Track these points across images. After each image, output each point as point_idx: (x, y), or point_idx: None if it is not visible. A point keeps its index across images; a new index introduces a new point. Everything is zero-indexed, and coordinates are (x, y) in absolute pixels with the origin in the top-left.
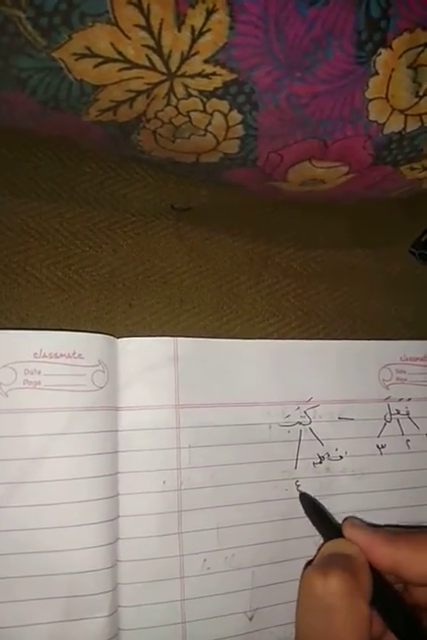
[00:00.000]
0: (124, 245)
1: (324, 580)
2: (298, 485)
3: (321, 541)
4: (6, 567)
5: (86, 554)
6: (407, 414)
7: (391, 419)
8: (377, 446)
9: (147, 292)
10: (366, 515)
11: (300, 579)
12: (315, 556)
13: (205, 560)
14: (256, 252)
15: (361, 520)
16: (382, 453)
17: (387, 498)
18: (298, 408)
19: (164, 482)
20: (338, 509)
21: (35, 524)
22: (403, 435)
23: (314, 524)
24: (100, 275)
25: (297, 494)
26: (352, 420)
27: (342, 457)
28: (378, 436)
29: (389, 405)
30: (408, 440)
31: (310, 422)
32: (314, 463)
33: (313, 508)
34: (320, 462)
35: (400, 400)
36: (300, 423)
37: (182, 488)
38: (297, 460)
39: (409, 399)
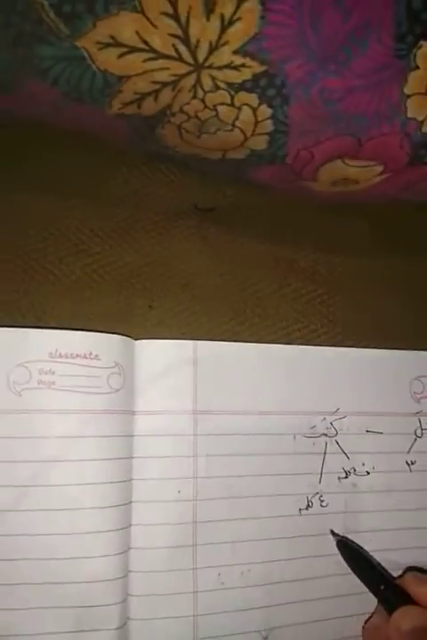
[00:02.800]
0: (145, 245)
1: None
2: (322, 501)
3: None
4: (16, 573)
5: (97, 563)
6: None
7: (422, 434)
8: (406, 463)
9: (167, 294)
10: (394, 535)
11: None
12: (373, 613)
13: (219, 574)
14: (281, 255)
15: (423, 571)
16: (411, 470)
17: (416, 517)
18: (324, 419)
19: (179, 491)
20: (363, 528)
21: (45, 530)
22: None
23: (356, 573)
24: (120, 274)
25: (321, 510)
26: (381, 433)
27: (368, 472)
28: (408, 452)
29: (420, 420)
30: None
31: (337, 434)
32: (339, 478)
33: (355, 556)
34: (346, 477)
35: None
36: (325, 435)
37: (198, 498)
38: (322, 473)
39: None
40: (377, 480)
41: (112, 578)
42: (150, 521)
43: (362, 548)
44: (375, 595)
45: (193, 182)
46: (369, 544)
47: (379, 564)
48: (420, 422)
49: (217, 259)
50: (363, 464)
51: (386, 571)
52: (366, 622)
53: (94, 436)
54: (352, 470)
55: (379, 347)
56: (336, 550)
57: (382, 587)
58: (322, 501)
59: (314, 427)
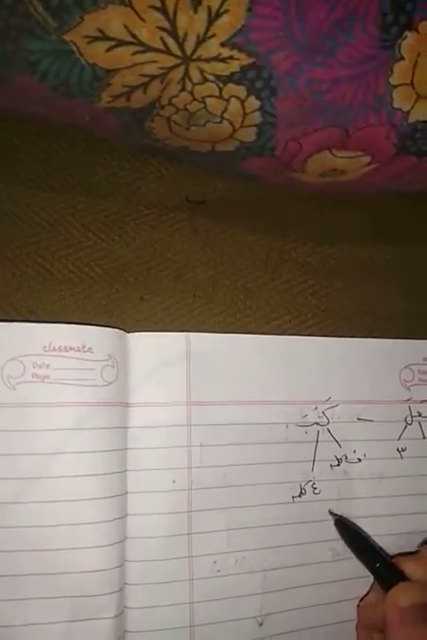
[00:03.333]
0: (136, 238)
1: None
2: (314, 488)
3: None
4: (13, 564)
5: (93, 553)
6: None
7: (413, 421)
8: (397, 449)
9: (159, 286)
10: (386, 520)
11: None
12: (368, 593)
13: (214, 562)
14: (272, 247)
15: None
16: (402, 457)
17: (407, 503)
18: (316, 408)
19: (173, 481)
20: (356, 514)
21: (41, 521)
22: (424, 438)
23: (353, 551)
24: (112, 267)
25: (313, 497)
26: (372, 421)
27: (360, 459)
28: (398, 439)
29: (410, 407)
30: None
31: (329, 423)
32: (331, 465)
33: (352, 535)
34: (338, 465)
35: (422, 402)
36: (317, 423)
37: (193, 488)
38: (314, 461)
39: None
40: (369, 467)
41: (109, 567)
42: (146, 511)
43: (359, 527)
44: (372, 572)
45: (184, 175)
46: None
47: (375, 543)
48: (410, 409)
49: (208, 251)
50: (354, 451)
51: (382, 550)
52: (360, 600)
53: (89, 428)
54: (344, 458)
55: (369, 336)
56: (330, 536)
57: (378, 564)
58: (315, 489)
59: (306, 416)
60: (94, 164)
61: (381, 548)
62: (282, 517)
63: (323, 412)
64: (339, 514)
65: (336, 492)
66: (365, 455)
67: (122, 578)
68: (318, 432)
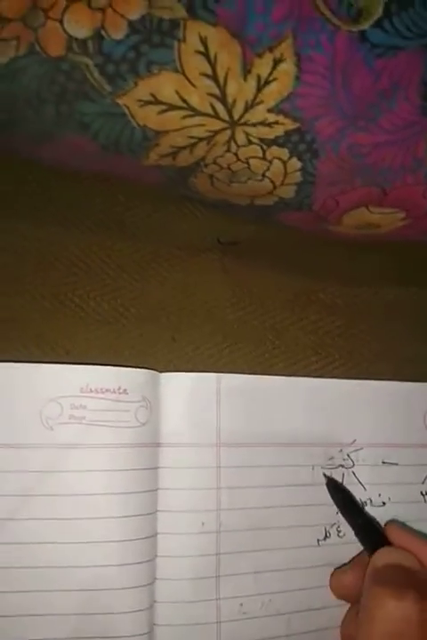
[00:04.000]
0: (169, 279)
1: (399, 604)
2: (339, 531)
3: None
4: (49, 606)
5: (124, 594)
6: None
7: None
8: (421, 493)
9: (190, 326)
10: None
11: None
12: (347, 564)
13: (241, 605)
14: (300, 288)
15: (403, 524)
16: (426, 500)
17: None
18: (341, 450)
19: (202, 523)
20: None
21: (75, 562)
22: None
23: (342, 513)
24: (145, 308)
25: (338, 540)
26: (396, 465)
27: (384, 503)
28: (422, 483)
29: None
30: None
31: (353, 465)
32: None
33: (343, 497)
34: (363, 508)
35: None
36: (342, 466)
37: (221, 530)
38: None
39: None
40: (393, 511)
41: (138, 609)
42: (175, 553)
43: (350, 492)
44: (358, 536)
45: (216, 217)
46: None
47: (365, 510)
48: None
49: (238, 291)
50: (379, 495)
51: (373, 518)
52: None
53: (123, 469)
54: (369, 501)
55: (394, 378)
56: None
57: (359, 520)
58: (339, 532)
59: (332, 458)
60: (130, 205)
61: (371, 515)
62: (307, 560)
63: (348, 455)
64: (332, 478)
65: None
66: (389, 499)
67: (151, 619)
68: (343, 474)
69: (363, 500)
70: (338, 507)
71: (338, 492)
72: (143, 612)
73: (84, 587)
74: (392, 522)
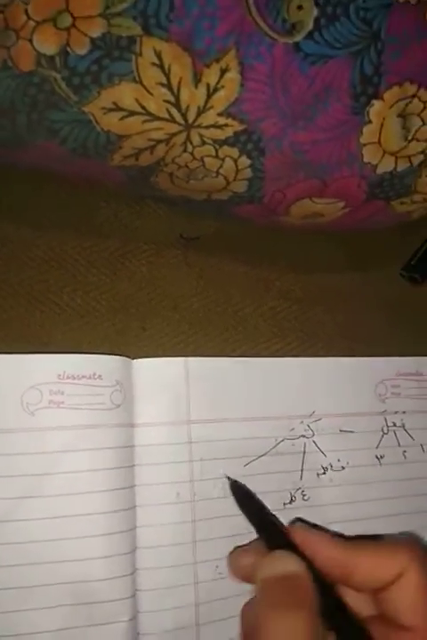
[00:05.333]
0: (137, 273)
1: (281, 625)
2: (304, 495)
3: None
4: (28, 577)
5: (106, 562)
6: (403, 426)
7: (388, 431)
8: (376, 457)
9: (159, 316)
10: (368, 523)
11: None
12: (248, 550)
13: (217, 566)
14: (259, 277)
15: (306, 524)
16: (381, 464)
17: (387, 506)
18: (302, 422)
19: (178, 494)
20: (341, 518)
21: (58, 535)
22: (399, 446)
23: (248, 518)
24: (115, 300)
25: (303, 504)
26: (352, 432)
27: (343, 468)
28: (376, 447)
29: (385, 418)
30: (405, 451)
31: (314, 435)
32: (318, 474)
33: (246, 500)
34: (324, 473)
35: (396, 413)
36: (304, 436)
37: (196, 499)
38: (302, 471)
39: (404, 412)
40: (351, 474)
41: (121, 575)
42: (153, 522)
43: (253, 492)
44: (262, 537)
45: (178, 215)
46: (347, 532)
47: (269, 511)
48: (386, 420)
49: (202, 283)
50: (338, 460)
51: (276, 519)
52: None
53: (101, 448)
54: (329, 466)
55: (347, 356)
56: None
57: (266, 527)
58: (304, 496)
59: (293, 429)
60: (97, 206)
61: (274, 515)
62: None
63: (308, 426)
64: (233, 478)
65: (324, 498)
66: (347, 463)
67: (134, 585)
68: (305, 444)
69: (324, 465)
70: (240, 508)
71: (239, 493)
72: (126, 577)
73: (69, 558)
74: (298, 522)
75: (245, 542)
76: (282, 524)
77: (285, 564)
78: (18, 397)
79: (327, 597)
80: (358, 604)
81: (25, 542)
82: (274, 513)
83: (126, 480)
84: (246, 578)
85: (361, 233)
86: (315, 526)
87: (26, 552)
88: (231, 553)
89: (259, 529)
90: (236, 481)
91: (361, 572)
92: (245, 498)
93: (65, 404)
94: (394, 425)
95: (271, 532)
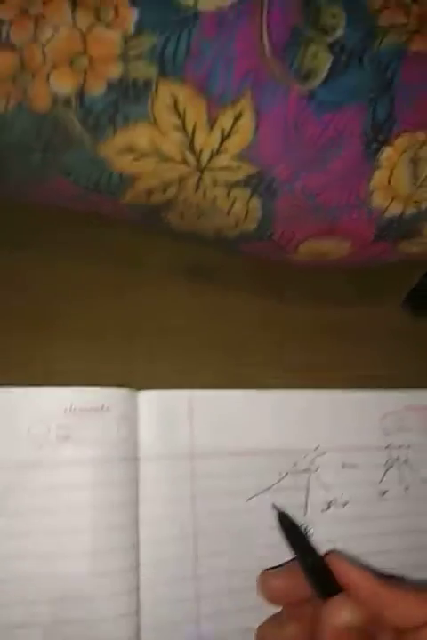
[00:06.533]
0: (143, 303)
1: None
2: (307, 531)
3: None
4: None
5: (109, 601)
6: (406, 461)
7: (393, 465)
8: (379, 492)
9: (164, 346)
10: (370, 558)
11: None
12: (278, 567)
13: (219, 602)
14: (264, 307)
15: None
16: (384, 498)
17: (389, 542)
18: (305, 456)
19: (180, 529)
20: (347, 553)
21: (63, 571)
22: (403, 481)
23: (292, 549)
24: (121, 329)
25: None
26: (356, 466)
27: (346, 503)
28: (380, 482)
29: (390, 452)
30: (407, 487)
31: (317, 469)
32: (322, 510)
33: (292, 532)
34: (328, 508)
35: (400, 447)
36: (307, 470)
37: (198, 535)
38: (306, 506)
39: (409, 446)
40: (354, 509)
41: (124, 613)
42: (156, 559)
43: (299, 524)
44: (306, 572)
45: (184, 245)
46: None
47: (311, 543)
48: (390, 454)
49: (207, 313)
50: (342, 495)
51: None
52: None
53: (108, 483)
54: (333, 501)
55: (352, 388)
56: None
57: (309, 559)
58: (307, 532)
59: (296, 464)
60: (104, 234)
61: (317, 551)
62: (279, 559)
63: (312, 460)
64: (280, 508)
65: (328, 533)
66: (350, 498)
67: (137, 622)
68: (309, 479)
69: (328, 500)
70: (285, 538)
71: (288, 527)
72: (130, 616)
73: (73, 594)
74: (333, 552)
75: (249, 579)
76: (319, 553)
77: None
78: (25, 431)
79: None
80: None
81: (27, 578)
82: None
83: (131, 516)
84: (276, 599)
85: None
86: None
87: (27, 589)
88: (261, 574)
89: (299, 556)
90: (283, 512)
91: (398, 609)
92: (293, 532)
93: (72, 438)
94: (398, 459)
95: (312, 562)
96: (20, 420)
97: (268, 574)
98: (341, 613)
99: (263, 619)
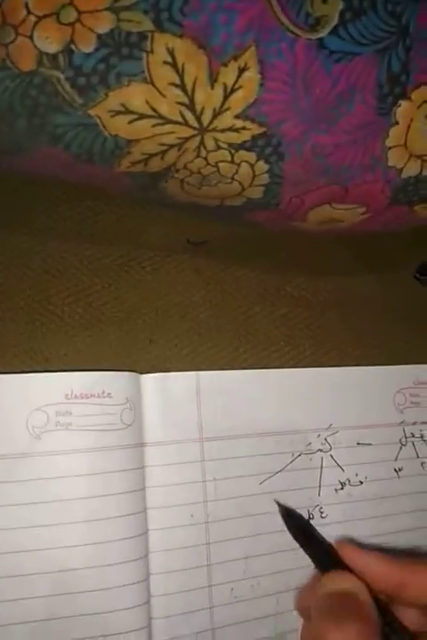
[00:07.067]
0: (142, 281)
1: (338, 635)
2: (322, 512)
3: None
4: (42, 608)
5: (119, 592)
6: (421, 437)
7: (407, 442)
8: (394, 470)
9: (166, 327)
10: (386, 538)
11: (299, 612)
12: (307, 584)
13: (232, 589)
14: (269, 282)
15: (352, 540)
16: (399, 476)
17: (405, 520)
18: (319, 435)
19: (191, 515)
20: (360, 534)
21: (69, 565)
22: (418, 457)
23: (298, 542)
24: (120, 311)
25: (321, 521)
26: (370, 444)
27: (361, 482)
28: (395, 460)
29: (404, 429)
30: (423, 463)
31: (331, 449)
32: (336, 490)
33: (298, 526)
34: (342, 488)
35: (414, 423)
36: (321, 450)
37: (209, 520)
38: (320, 487)
39: (423, 422)
40: (370, 488)
41: (135, 605)
42: (167, 546)
43: (305, 519)
44: (315, 562)
45: (184, 218)
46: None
47: (319, 534)
48: (404, 431)
49: (211, 290)
50: (356, 474)
51: (324, 539)
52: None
53: (111, 471)
54: (347, 481)
55: (362, 364)
56: None
57: (316, 548)
58: (322, 513)
59: (310, 443)
60: (98, 210)
61: (325, 540)
62: (293, 542)
63: (325, 439)
64: (285, 505)
65: (342, 514)
66: (366, 477)
67: (148, 613)
68: (322, 458)
69: (342, 480)
70: (291, 533)
71: (291, 519)
72: (140, 607)
73: (79, 589)
74: (342, 540)
75: (264, 565)
76: (329, 543)
77: (346, 581)
78: (23, 421)
79: (381, 615)
80: (406, 619)
81: (31, 574)
82: None
83: (138, 504)
84: (306, 615)
85: (373, 234)
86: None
87: (34, 583)
88: (296, 594)
89: (310, 552)
90: (285, 506)
91: (415, 588)
92: (294, 523)
93: (73, 426)
94: (412, 436)
95: (322, 554)
96: (17, 409)
97: (298, 591)
98: (326, 584)
99: (279, 607)
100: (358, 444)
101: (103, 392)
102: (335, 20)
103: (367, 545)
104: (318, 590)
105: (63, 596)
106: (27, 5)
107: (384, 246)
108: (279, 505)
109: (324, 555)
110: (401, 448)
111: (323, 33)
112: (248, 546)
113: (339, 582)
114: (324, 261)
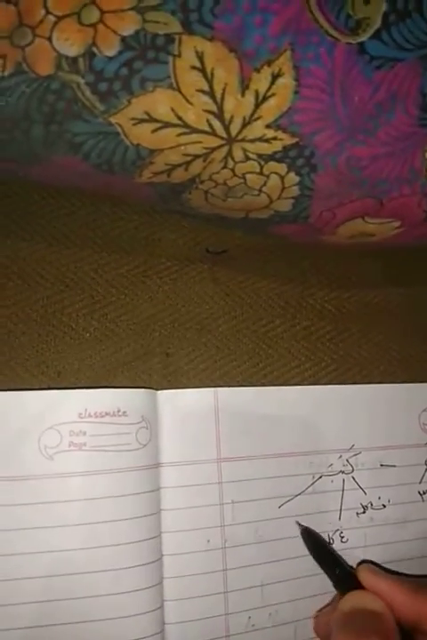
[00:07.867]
0: (159, 292)
1: None
2: (342, 537)
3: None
4: (56, 636)
5: (134, 620)
6: None
7: None
8: (419, 493)
9: (183, 340)
10: (410, 563)
11: (317, 634)
12: (329, 603)
13: (249, 617)
14: (291, 294)
15: (375, 564)
16: (423, 500)
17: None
18: (340, 456)
19: (208, 540)
20: (382, 559)
21: (81, 593)
22: None
23: (319, 564)
24: (136, 323)
25: (342, 546)
26: (394, 466)
27: (384, 506)
28: (419, 482)
29: None
30: None
31: (353, 471)
32: (357, 513)
33: (318, 547)
34: (364, 512)
35: None
36: (343, 472)
37: (227, 546)
38: (341, 510)
39: None
40: (393, 512)
41: (149, 634)
42: (182, 573)
43: (324, 539)
44: (333, 582)
45: (203, 226)
46: None
47: (339, 556)
48: None
49: (229, 301)
50: (379, 498)
51: (345, 563)
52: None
53: (126, 494)
54: (369, 505)
55: (386, 380)
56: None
57: (337, 571)
58: (342, 537)
59: (331, 465)
60: (115, 218)
61: (344, 560)
62: (312, 569)
63: (347, 460)
64: (305, 525)
65: (363, 539)
66: (389, 501)
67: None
68: (344, 480)
69: (364, 503)
70: (311, 554)
71: (312, 541)
72: (155, 636)
73: (94, 617)
74: (364, 563)
75: (283, 592)
76: (350, 567)
77: (371, 601)
78: (35, 440)
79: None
80: None
81: (45, 601)
82: None
83: (153, 529)
84: (327, 636)
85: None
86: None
87: (47, 609)
88: (314, 617)
89: (330, 573)
90: (307, 528)
91: None
92: (317, 546)
93: (87, 446)
94: None
95: (342, 576)
96: (29, 427)
97: (318, 614)
98: (348, 601)
99: (297, 636)
100: (382, 465)
101: (118, 410)
102: (378, 23)
103: (389, 570)
104: (340, 606)
105: (78, 624)
106: (45, 4)
107: (412, 260)
108: (299, 524)
109: (344, 576)
110: (426, 470)
111: (364, 37)
112: (266, 572)
113: (363, 601)
114: (348, 273)
